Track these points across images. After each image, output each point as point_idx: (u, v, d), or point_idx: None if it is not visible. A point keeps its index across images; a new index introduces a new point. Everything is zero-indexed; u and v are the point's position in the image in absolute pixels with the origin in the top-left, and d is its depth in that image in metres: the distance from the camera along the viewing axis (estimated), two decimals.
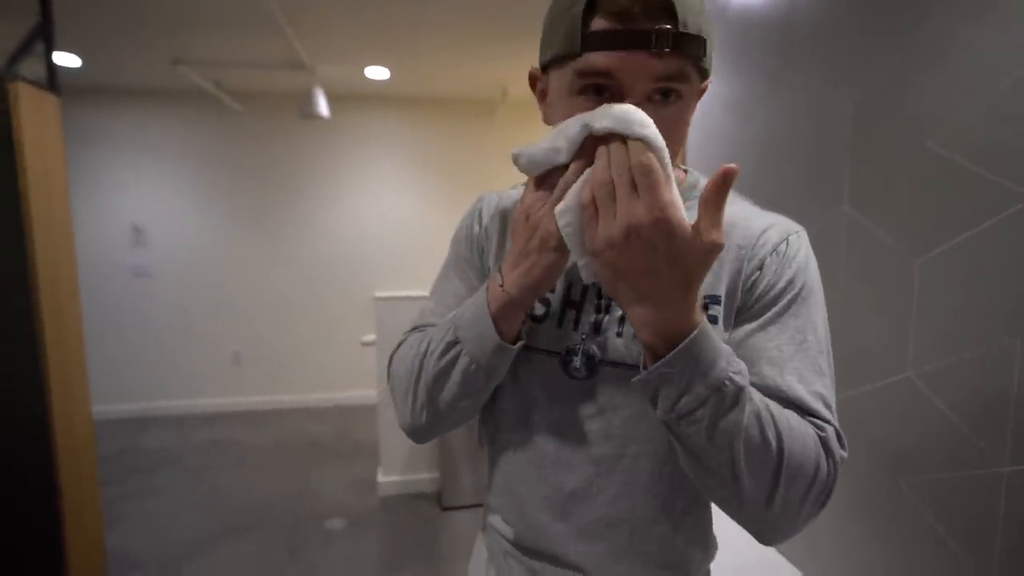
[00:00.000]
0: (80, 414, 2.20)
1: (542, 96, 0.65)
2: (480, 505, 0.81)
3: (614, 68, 0.53)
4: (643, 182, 0.46)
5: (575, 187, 0.52)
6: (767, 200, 1.80)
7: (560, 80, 0.58)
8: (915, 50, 1.25)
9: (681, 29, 0.52)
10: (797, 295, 0.60)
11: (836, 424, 0.57)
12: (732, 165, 0.45)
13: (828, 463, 0.54)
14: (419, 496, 3.02)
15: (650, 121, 0.49)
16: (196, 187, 4.35)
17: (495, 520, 0.75)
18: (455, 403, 0.65)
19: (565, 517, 0.67)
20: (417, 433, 0.70)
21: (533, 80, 0.66)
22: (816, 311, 0.61)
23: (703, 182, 0.70)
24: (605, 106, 0.51)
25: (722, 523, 0.74)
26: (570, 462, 0.66)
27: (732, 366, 0.51)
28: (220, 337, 4.51)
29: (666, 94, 0.55)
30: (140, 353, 4.39)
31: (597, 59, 0.53)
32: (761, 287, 0.61)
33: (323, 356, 4.63)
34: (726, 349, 0.52)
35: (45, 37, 2.20)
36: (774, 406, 0.54)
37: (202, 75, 3.72)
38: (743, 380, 0.51)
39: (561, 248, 0.55)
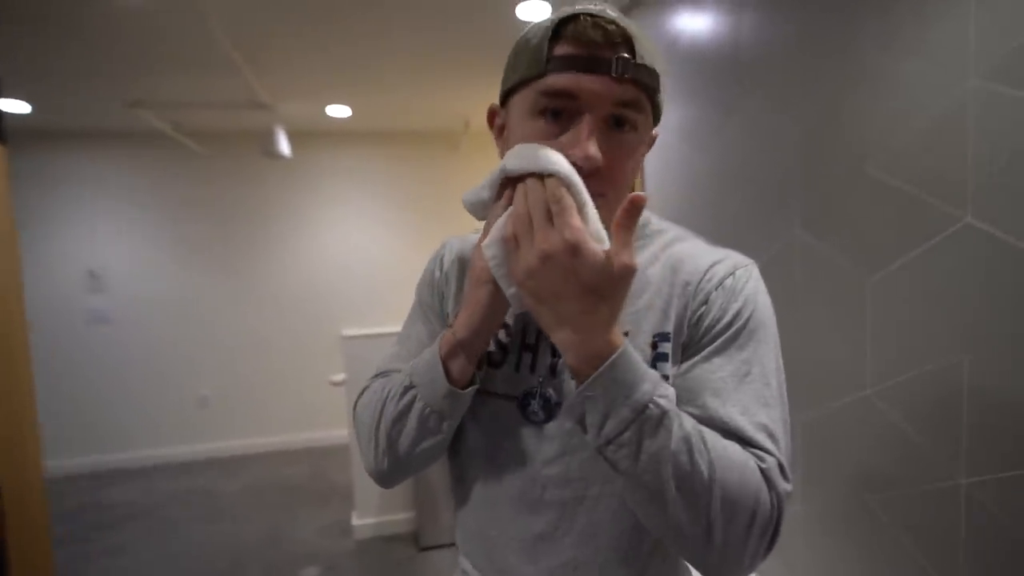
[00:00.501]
0: (31, 470, 2.10)
1: (499, 132, 0.67)
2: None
3: (576, 88, 0.55)
4: (556, 211, 0.49)
5: (499, 223, 0.55)
6: (725, 225, 1.84)
7: (522, 104, 0.59)
8: (851, 80, 1.31)
9: (639, 60, 0.56)
10: (743, 327, 0.60)
11: (780, 456, 0.55)
12: (641, 194, 0.49)
13: (771, 496, 0.53)
14: (395, 538, 2.95)
15: (561, 158, 0.52)
16: (156, 229, 4.25)
17: (465, 564, 0.74)
18: (413, 448, 0.65)
19: (534, 561, 0.66)
20: (382, 478, 0.69)
21: (492, 116, 0.68)
22: (764, 345, 0.60)
23: (655, 222, 0.72)
24: (519, 147, 0.55)
25: None
26: (535, 505, 0.66)
27: (658, 390, 0.51)
28: (185, 381, 4.36)
29: (620, 122, 0.58)
30: (102, 402, 4.21)
31: (561, 79, 0.56)
32: (707, 321, 0.61)
33: (293, 397, 4.51)
34: (653, 374, 0.52)
35: None
36: (710, 435, 0.53)
37: (159, 117, 3.67)
38: (668, 404, 0.51)
39: (492, 282, 0.57)
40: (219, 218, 4.35)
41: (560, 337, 0.51)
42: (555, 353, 0.66)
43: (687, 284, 0.63)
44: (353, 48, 2.80)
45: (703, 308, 0.61)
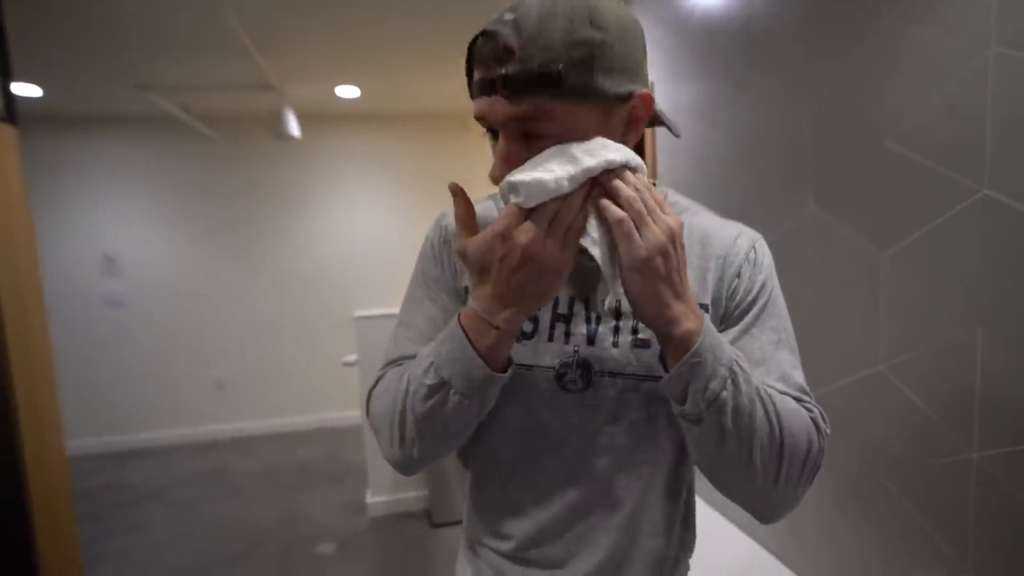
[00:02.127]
0: (53, 450, 2.15)
1: None
2: None
3: (481, 112, 0.57)
4: (659, 200, 0.55)
5: (589, 221, 0.56)
6: (738, 201, 1.82)
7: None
8: (869, 52, 1.29)
9: (528, 66, 0.52)
10: (769, 297, 0.66)
11: (817, 406, 0.63)
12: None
13: (818, 438, 0.60)
14: (408, 515, 2.99)
15: (623, 147, 0.56)
16: (169, 213, 4.29)
17: (487, 539, 0.74)
18: (449, 436, 0.64)
19: (569, 527, 0.68)
20: (408, 466, 0.67)
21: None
22: (783, 308, 0.68)
23: (672, 195, 0.72)
24: (595, 142, 0.55)
25: (709, 526, 0.77)
26: (573, 475, 0.67)
27: (734, 350, 0.57)
28: (201, 363, 4.43)
29: (528, 135, 0.56)
30: (120, 384, 4.29)
31: (476, 106, 0.58)
32: (740, 293, 0.66)
33: (307, 378, 4.57)
34: (723, 336, 0.58)
35: (2, 69, 2.16)
36: (767, 389, 0.59)
37: (169, 100, 3.67)
38: (746, 363, 0.57)
39: (562, 273, 0.56)
40: (230, 200, 4.37)
41: (676, 310, 0.54)
42: (590, 320, 0.66)
43: (718, 256, 0.67)
44: (362, 28, 2.78)
45: (736, 281, 0.66)
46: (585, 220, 0.55)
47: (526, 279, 0.54)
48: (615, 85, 0.56)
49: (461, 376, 0.58)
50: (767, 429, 0.56)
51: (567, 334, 0.66)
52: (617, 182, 0.54)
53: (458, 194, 0.60)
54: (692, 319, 0.55)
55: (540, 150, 0.55)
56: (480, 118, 0.58)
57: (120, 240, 4.21)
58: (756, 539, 1.70)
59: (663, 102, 2.20)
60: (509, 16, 0.53)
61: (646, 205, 0.53)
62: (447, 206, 0.74)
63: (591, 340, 0.66)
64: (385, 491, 3.05)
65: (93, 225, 4.16)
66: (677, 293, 0.54)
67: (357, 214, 4.56)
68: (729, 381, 0.54)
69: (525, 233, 0.53)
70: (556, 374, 0.66)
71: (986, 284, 1.05)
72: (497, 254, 0.55)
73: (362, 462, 3.27)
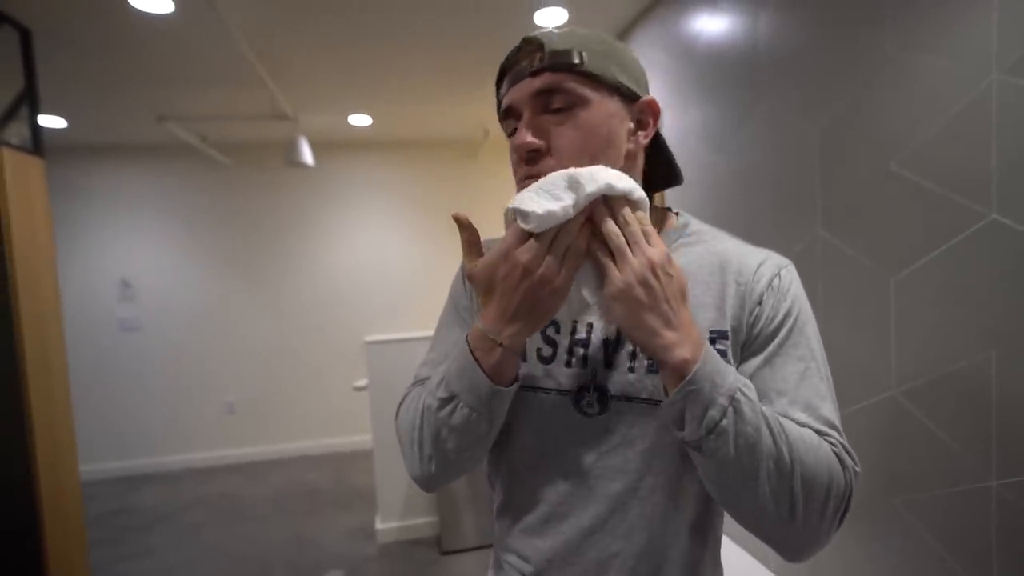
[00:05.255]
0: (67, 474, 2.17)
1: None
2: (482, 547, 0.80)
3: (509, 101, 0.65)
4: (646, 231, 0.56)
5: (578, 242, 0.58)
6: (746, 225, 1.83)
7: (504, 131, 0.69)
8: (873, 78, 1.31)
9: (548, 51, 0.62)
10: (794, 325, 0.64)
11: (845, 441, 0.61)
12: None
13: (844, 474, 0.58)
14: (418, 542, 2.96)
15: (630, 180, 0.57)
16: (184, 239, 4.36)
17: (511, 558, 0.74)
18: (461, 451, 0.66)
19: (582, 554, 0.67)
20: (427, 482, 0.71)
21: None
22: (813, 338, 0.65)
23: (694, 223, 0.73)
24: (597, 169, 0.57)
25: (728, 550, 0.74)
26: (586, 499, 0.67)
27: (740, 379, 0.56)
28: (213, 388, 4.45)
29: (550, 108, 0.63)
30: (132, 408, 4.32)
31: (505, 100, 0.66)
32: (762, 321, 0.64)
33: (317, 402, 4.58)
34: (729, 365, 0.57)
35: (30, 103, 2.24)
36: (784, 419, 0.58)
37: (187, 130, 3.77)
38: (751, 391, 0.56)
39: (562, 294, 0.60)
40: (244, 227, 4.44)
41: (668, 338, 0.55)
42: (608, 346, 0.67)
43: (739, 283, 0.66)
44: (373, 59, 2.86)
45: (758, 309, 0.64)
46: (585, 242, 0.57)
47: (526, 296, 0.57)
48: (628, 81, 0.64)
49: (468, 391, 0.62)
50: (774, 458, 0.54)
51: (585, 358, 0.67)
52: (601, 214, 0.56)
53: (462, 222, 0.63)
54: (687, 347, 0.54)
55: (559, 125, 0.62)
56: (508, 109, 0.65)
57: (137, 266, 4.28)
58: (770, 568, 1.67)
59: (669, 127, 2.22)
60: (535, 34, 0.64)
61: (632, 237, 0.55)
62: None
63: (608, 364, 0.67)
64: (395, 517, 3.02)
65: (111, 251, 4.24)
66: (668, 322, 0.55)
67: (368, 240, 4.61)
68: (730, 409, 0.53)
69: (526, 252, 0.56)
70: (573, 398, 0.67)
71: (998, 308, 1.05)
72: (500, 273, 0.59)
73: (372, 487, 3.25)
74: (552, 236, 0.56)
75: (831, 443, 0.59)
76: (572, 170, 0.56)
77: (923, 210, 1.19)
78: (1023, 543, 1.03)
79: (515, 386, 0.64)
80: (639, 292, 0.54)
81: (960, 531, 1.14)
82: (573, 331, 0.69)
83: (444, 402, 0.63)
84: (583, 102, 0.62)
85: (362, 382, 3.14)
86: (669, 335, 0.54)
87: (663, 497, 0.66)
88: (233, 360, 4.46)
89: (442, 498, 2.80)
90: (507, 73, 0.66)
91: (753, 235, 1.88)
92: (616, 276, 0.55)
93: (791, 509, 0.55)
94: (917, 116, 1.20)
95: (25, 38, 2.24)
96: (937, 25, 1.14)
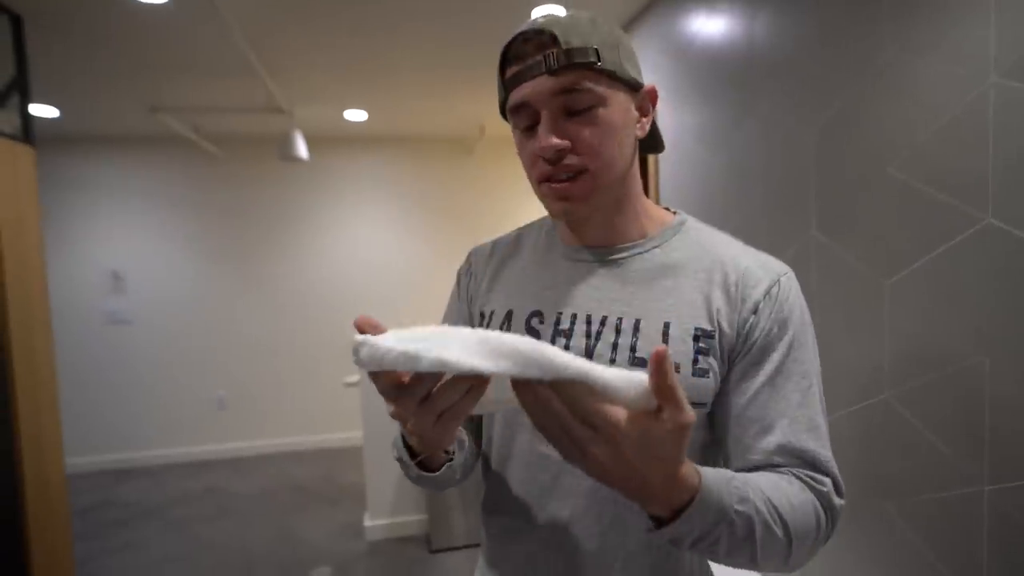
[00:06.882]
0: (52, 466, 2.14)
1: None
2: (470, 546, 0.80)
3: (524, 98, 0.62)
4: (595, 423, 0.43)
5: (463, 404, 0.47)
6: (740, 226, 1.83)
7: (511, 124, 0.67)
8: (870, 80, 1.30)
9: (565, 47, 0.59)
10: (794, 340, 0.62)
11: (835, 472, 0.60)
12: (663, 347, 0.41)
13: (827, 517, 0.58)
14: (407, 539, 2.94)
15: (556, 353, 0.41)
16: (176, 232, 4.32)
17: (487, 565, 0.74)
18: (430, 488, 0.70)
19: (559, 549, 0.66)
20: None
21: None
22: (812, 352, 0.64)
23: (692, 221, 0.71)
24: (520, 347, 0.41)
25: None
26: (565, 493, 0.66)
27: (733, 495, 0.51)
28: (203, 382, 4.41)
29: (573, 106, 0.61)
30: (120, 401, 4.28)
31: (513, 96, 0.63)
32: (757, 332, 0.62)
33: (308, 398, 4.55)
34: (723, 483, 0.50)
35: (21, 90, 2.21)
36: (773, 493, 0.54)
37: (180, 121, 3.73)
38: (746, 507, 0.51)
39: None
40: (237, 221, 4.41)
41: (640, 501, 0.48)
42: (589, 336, 0.66)
43: (731, 286, 0.63)
44: (370, 53, 2.84)
45: (752, 318, 0.62)
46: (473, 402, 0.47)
47: (413, 428, 0.51)
48: (634, 72, 0.64)
49: (408, 466, 0.65)
50: (772, 542, 0.53)
51: (566, 348, 0.66)
52: (534, 402, 0.42)
53: (362, 323, 0.48)
54: (665, 506, 0.48)
55: (581, 125, 0.61)
56: (522, 104, 0.62)
57: (127, 258, 4.24)
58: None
59: (664, 127, 2.22)
60: (540, 20, 0.61)
61: (570, 434, 0.43)
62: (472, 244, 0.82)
63: (589, 357, 0.65)
64: (384, 515, 3.00)
65: (102, 243, 4.20)
66: (630, 492, 0.47)
67: (361, 236, 4.59)
68: (725, 532, 0.50)
69: (389, 404, 0.49)
70: None
71: (992, 312, 1.04)
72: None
73: (361, 484, 3.23)
74: (424, 393, 0.46)
75: (821, 483, 0.59)
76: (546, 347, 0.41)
77: (919, 213, 1.19)
78: (1014, 549, 1.02)
79: (445, 468, 0.65)
80: (591, 472, 0.45)
81: (951, 536, 1.14)
82: (557, 321, 0.68)
83: (397, 459, 0.67)
84: (602, 102, 0.61)
85: (353, 378, 3.13)
86: (637, 499, 0.48)
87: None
88: (224, 355, 4.43)
89: (432, 497, 2.79)
90: (512, 61, 0.63)
91: (747, 236, 1.87)
92: (585, 469, 0.45)
93: (784, 563, 0.56)
94: (914, 118, 1.19)
95: (16, 25, 2.21)
96: (935, 27, 1.14)
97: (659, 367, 0.41)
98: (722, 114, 1.89)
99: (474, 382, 0.45)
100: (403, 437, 0.64)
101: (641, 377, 0.42)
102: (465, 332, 0.43)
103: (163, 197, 4.29)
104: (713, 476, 0.51)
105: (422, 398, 0.46)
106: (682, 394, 0.42)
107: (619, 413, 0.42)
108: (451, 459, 0.66)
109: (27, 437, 1.99)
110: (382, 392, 0.48)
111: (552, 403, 0.42)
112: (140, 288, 4.26)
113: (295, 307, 4.51)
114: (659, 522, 0.50)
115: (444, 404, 0.46)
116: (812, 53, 1.48)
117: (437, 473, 0.65)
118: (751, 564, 0.55)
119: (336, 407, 4.49)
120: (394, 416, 0.50)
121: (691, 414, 0.43)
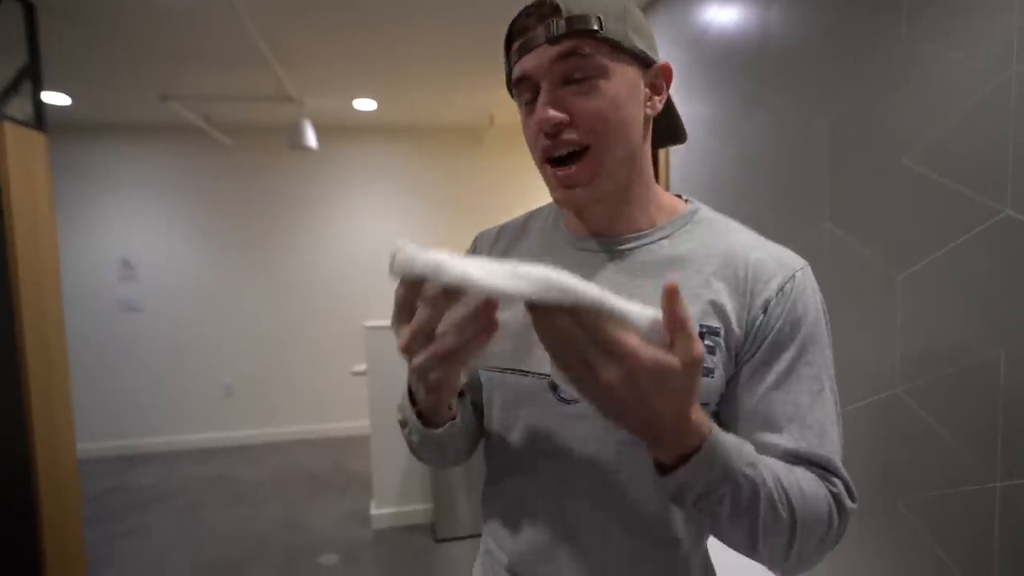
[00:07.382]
0: (64, 452, 2.16)
1: None
2: (475, 535, 0.80)
3: (527, 69, 0.60)
4: (608, 348, 0.42)
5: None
6: (752, 218, 1.82)
7: (516, 101, 0.65)
8: (886, 69, 1.28)
9: (566, 15, 0.57)
10: (807, 339, 0.59)
11: (847, 476, 0.59)
12: (674, 281, 0.42)
13: (839, 517, 0.56)
14: (413, 528, 2.96)
15: (574, 282, 0.41)
16: (186, 220, 4.35)
17: (491, 544, 0.73)
18: (432, 460, 0.71)
19: (565, 540, 0.65)
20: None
21: None
22: (827, 349, 0.61)
23: (705, 210, 0.69)
24: (540, 275, 0.42)
25: (718, 545, 0.72)
26: (568, 485, 0.65)
27: (743, 458, 0.50)
28: (211, 370, 4.45)
29: (572, 75, 0.59)
30: (130, 388, 4.33)
31: (517, 68, 0.61)
32: (767, 331, 0.59)
33: (316, 387, 4.58)
34: (734, 444, 0.50)
35: (33, 77, 2.22)
36: (785, 475, 0.53)
37: (191, 110, 3.74)
38: (754, 472, 0.50)
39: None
40: (247, 210, 4.43)
41: (649, 439, 0.48)
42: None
43: (741, 280, 0.61)
44: (379, 42, 2.83)
45: (763, 317, 0.59)
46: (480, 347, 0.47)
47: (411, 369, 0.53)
48: (644, 46, 0.61)
49: (412, 423, 0.65)
50: (775, 523, 0.52)
51: None
52: (558, 334, 0.42)
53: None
54: (673, 449, 0.48)
55: (581, 96, 0.58)
56: (523, 77, 0.61)
57: (138, 246, 4.27)
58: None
59: None
60: None
61: (586, 360, 0.42)
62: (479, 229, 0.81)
63: None
64: (390, 503, 3.02)
65: (113, 230, 4.23)
66: (643, 428, 0.46)
67: (370, 224, 4.59)
68: (729, 494, 0.49)
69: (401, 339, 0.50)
70: (550, 382, 0.64)
71: (1009, 305, 1.02)
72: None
73: (368, 472, 3.25)
74: (440, 309, 0.47)
75: (832, 483, 0.57)
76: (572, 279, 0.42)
77: (935, 205, 1.17)
78: None
79: (448, 426, 0.64)
80: (603, 407, 0.45)
81: (962, 533, 1.13)
82: None
83: (401, 423, 0.68)
84: (604, 72, 0.59)
85: (361, 367, 3.14)
86: (648, 438, 0.48)
87: (646, 487, 0.62)
88: (233, 342, 4.46)
89: (437, 486, 2.80)
90: (517, 37, 0.61)
91: (758, 228, 1.85)
92: (586, 393, 0.45)
93: (785, 554, 0.54)
94: (931, 108, 1.17)
95: (29, 12, 2.21)
96: (956, 15, 1.11)
97: (671, 300, 0.41)
98: (734, 104, 1.86)
99: (485, 322, 0.46)
100: (409, 393, 0.64)
101: (654, 310, 0.43)
102: (490, 262, 0.45)
103: (174, 185, 4.31)
104: (726, 435, 0.50)
105: (430, 334, 0.47)
106: (693, 329, 0.43)
107: (635, 340, 0.42)
108: (453, 418, 0.65)
109: (39, 424, 2.01)
110: (399, 303, 0.51)
111: (570, 327, 0.42)
112: (150, 276, 4.29)
113: (304, 296, 4.53)
114: (664, 471, 0.49)
115: (450, 344, 0.47)
116: (827, 42, 1.45)
117: (440, 430, 0.64)
118: (750, 543, 0.53)
119: (343, 396, 4.51)
120: (403, 350, 0.50)
121: (701, 348, 0.43)
